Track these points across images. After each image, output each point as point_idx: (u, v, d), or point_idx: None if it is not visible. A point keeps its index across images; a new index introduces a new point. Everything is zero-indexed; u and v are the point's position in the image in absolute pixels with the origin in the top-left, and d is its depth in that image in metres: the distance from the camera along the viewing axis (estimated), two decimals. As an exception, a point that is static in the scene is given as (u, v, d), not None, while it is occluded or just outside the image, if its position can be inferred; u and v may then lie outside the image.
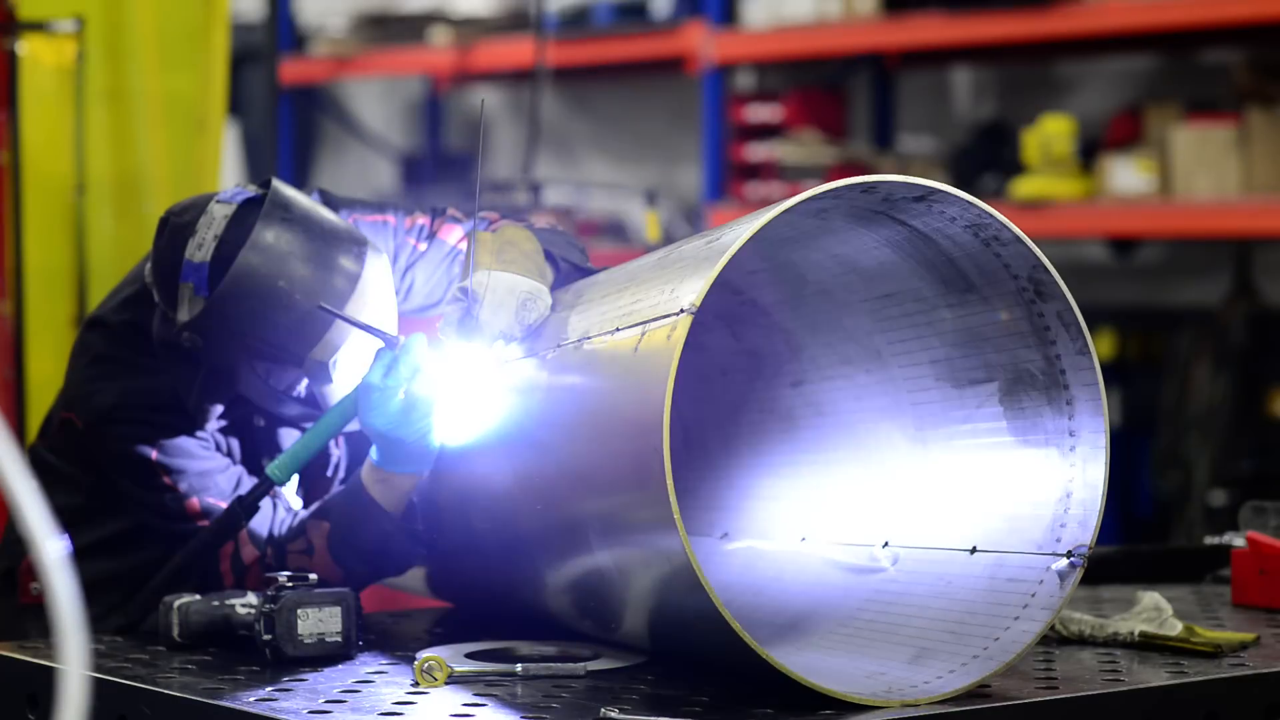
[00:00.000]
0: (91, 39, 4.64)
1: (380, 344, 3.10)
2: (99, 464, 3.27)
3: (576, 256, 3.26)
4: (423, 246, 3.38)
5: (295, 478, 3.28)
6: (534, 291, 3.07)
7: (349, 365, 3.17)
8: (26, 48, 4.54)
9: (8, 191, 4.50)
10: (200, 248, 3.10)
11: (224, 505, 3.19)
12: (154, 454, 3.20)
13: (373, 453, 3.13)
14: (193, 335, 3.11)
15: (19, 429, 4.42)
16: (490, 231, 3.23)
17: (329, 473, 3.41)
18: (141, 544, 3.29)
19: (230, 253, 3.08)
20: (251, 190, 3.16)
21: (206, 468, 3.22)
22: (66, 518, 3.29)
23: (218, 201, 3.14)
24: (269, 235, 3.09)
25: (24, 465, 1.56)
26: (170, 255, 3.13)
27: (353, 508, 3.16)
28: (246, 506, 3.15)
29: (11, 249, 4.49)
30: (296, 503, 3.33)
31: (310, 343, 3.11)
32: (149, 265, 3.20)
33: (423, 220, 3.40)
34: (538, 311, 3.06)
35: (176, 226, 3.14)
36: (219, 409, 3.24)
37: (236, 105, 7.96)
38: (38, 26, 4.56)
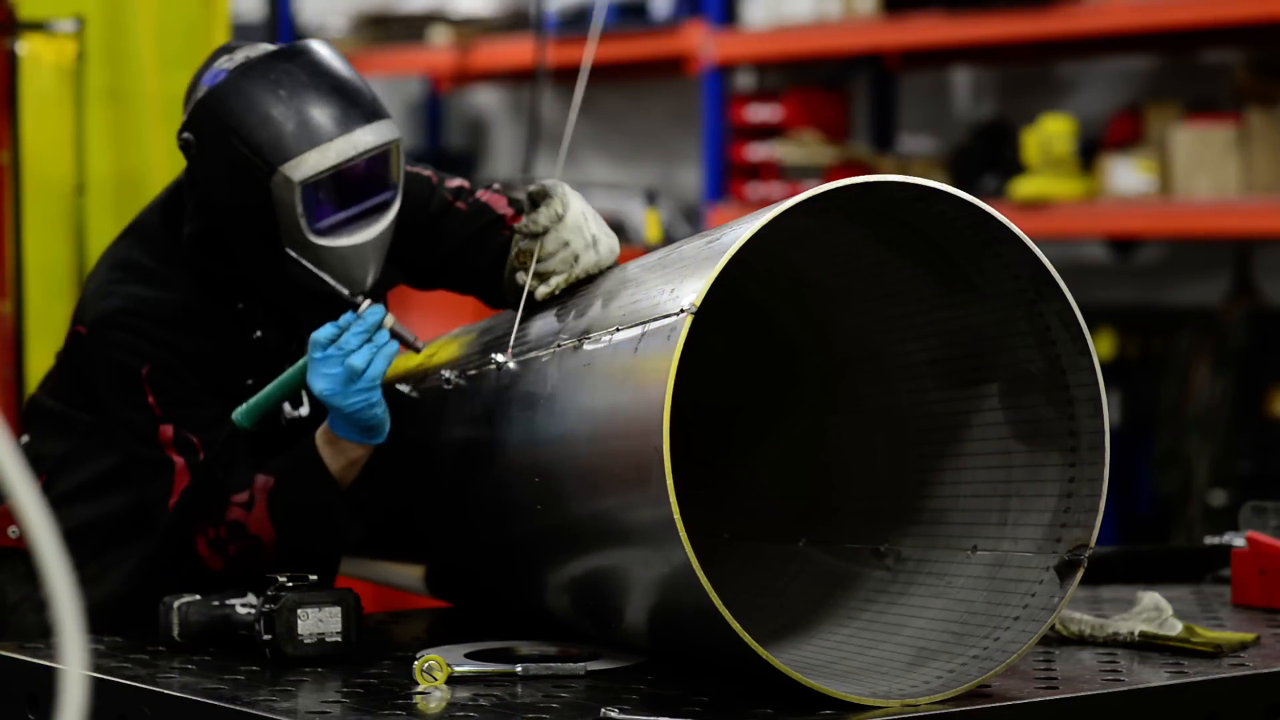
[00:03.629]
0: (91, 39, 4.64)
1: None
2: (90, 374, 3.21)
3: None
4: (462, 206, 3.34)
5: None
6: (606, 229, 3.11)
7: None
8: (26, 48, 4.54)
9: (8, 191, 4.50)
10: (230, 60, 3.14)
11: (195, 440, 3.13)
12: (144, 369, 3.14)
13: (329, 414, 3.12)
14: (189, 136, 3.12)
15: (19, 428, 4.41)
16: None
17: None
18: (117, 487, 3.25)
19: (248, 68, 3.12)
20: None
21: (190, 397, 3.16)
22: (55, 465, 3.28)
23: (267, 45, 3.20)
24: (288, 59, 3.12)
25: (21, 461, 1.55)
26: (202, 70, 3.17)
27: (298, 464, 3.12)
28: (220, 460, 3.12)
29: (11, 249, 4.50)
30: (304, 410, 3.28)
31: (285, 154, 3.06)
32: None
33: (465, 183, 3.37)
34: (607, 246, 3.10)
35: (220, 49, 3.19)
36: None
37: (236, 105, 7.95)
38: (38, 26, 4.56)
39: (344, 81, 3.13)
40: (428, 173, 3.36)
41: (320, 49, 3.16)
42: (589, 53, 3.20)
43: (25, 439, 3.37)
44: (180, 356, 3.16)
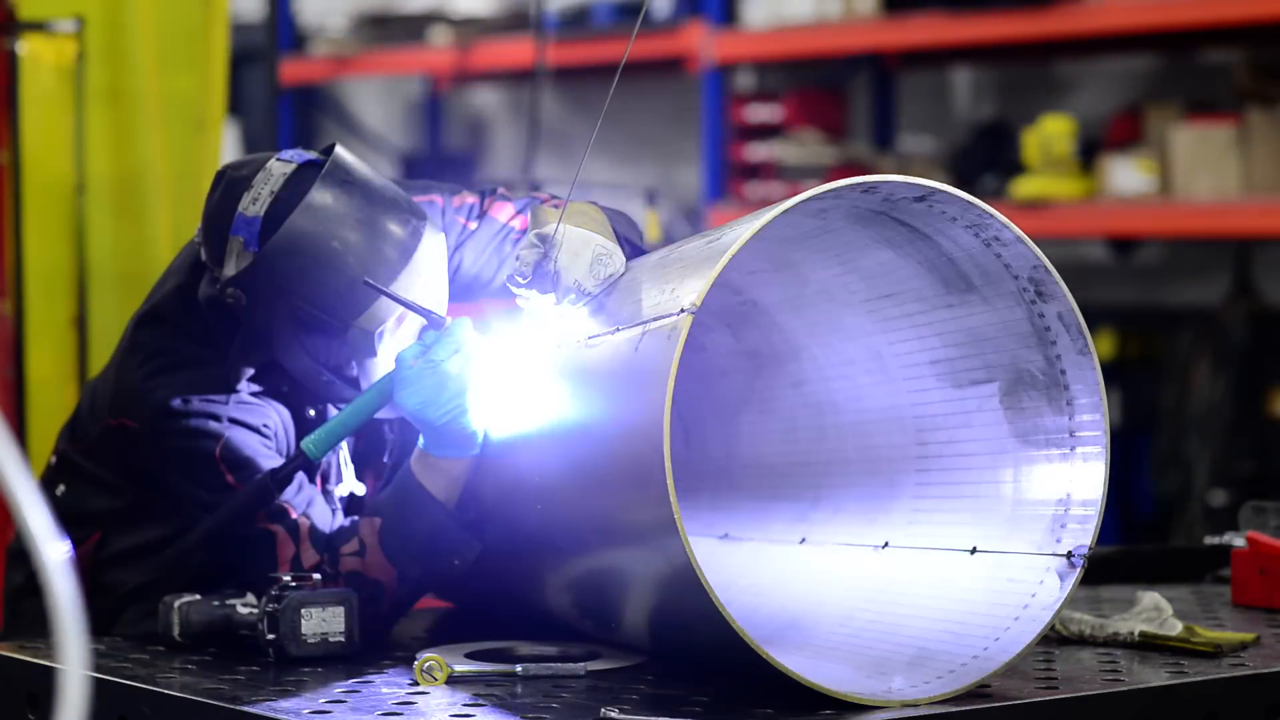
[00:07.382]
0: (91, 39, 4.64)
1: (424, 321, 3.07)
2: (155, 468, 3.18)
3: (635, 237, 3.18)
4: (473, 225, 3.31)
5: (351, 471, 3.25)
6: (608, 248, 2.99)
7: (396, 340, 3.12)
8: (26, 48, 4.54)
9: (8, 191, 4.50)
10: (255, 202, 3.06)
11: (291, 509, 3.10)
12: (216, 450, 3.11)
13: (420, 438, 3.08)
14: (237, 291, 3.05)
15: (19, 429, 4.42)
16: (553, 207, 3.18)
17: (385, 458, 3.33)
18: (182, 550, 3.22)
19: (284, 210, 3.04)
20: (313, 154, 3.12)
21: (265, 465, 3.12)
22: (105, 522, 3.25)
23: (278, 159, 3.10)
24: (326, 196, 3.05)
25: (25, 465, 1.56)
26: (223, 208, 3.08)
27: (402, 497, 3.07)
28: (279, 480, 3.07)
29: (11, 249, 4.50)
30: (359, 488, 3.27)
31: (357, 310, 3.05)
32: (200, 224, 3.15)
33: (471, 199, 3.34)
34: (612, 268, 2.98)
35: (233, 180, 3.10)
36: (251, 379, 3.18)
37: (236, 105, 7.97)
38: (38, 26, 4.57)
39: (380, 192, 3.09)
40: (434, 196, 3.32)
41: (347, 159, 3.11)
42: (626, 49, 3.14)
43: (61, 489, 3.31)
44: (244, 427, 3.13)
